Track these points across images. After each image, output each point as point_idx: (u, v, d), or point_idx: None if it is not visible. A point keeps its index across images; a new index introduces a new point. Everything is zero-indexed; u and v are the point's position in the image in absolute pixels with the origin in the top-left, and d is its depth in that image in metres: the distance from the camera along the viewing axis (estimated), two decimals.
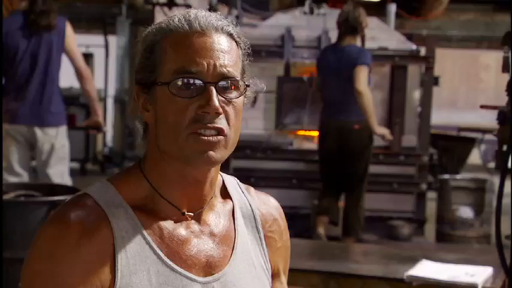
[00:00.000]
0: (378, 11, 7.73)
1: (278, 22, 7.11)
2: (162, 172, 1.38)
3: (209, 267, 1.40)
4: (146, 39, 1.39)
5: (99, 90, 10.98)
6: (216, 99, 1.31)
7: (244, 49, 1.41)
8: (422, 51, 7.20)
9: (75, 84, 11.04)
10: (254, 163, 6.55)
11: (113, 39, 10.07)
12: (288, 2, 8.87)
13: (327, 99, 5.95)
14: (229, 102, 1.34)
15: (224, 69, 1.33)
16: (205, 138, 1.32)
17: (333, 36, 6.96)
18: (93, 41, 10.98)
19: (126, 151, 9.57)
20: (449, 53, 12.41)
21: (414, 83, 6.98)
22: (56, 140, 4.69)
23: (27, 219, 3.39)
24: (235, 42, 1.38)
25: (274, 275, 1.52)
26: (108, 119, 10.42)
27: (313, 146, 6.87)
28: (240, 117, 1.37)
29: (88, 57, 11.18)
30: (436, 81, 7.38)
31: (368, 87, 5.72)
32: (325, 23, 7.02)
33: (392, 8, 7.60)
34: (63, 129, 4.76)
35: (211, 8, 7.40)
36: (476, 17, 10.55)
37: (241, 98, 1.37)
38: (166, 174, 1.38)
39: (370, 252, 3.96)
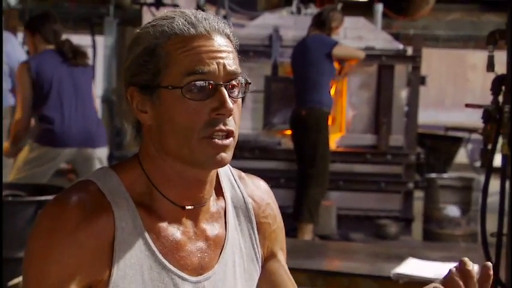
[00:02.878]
0: (365, 10, 7.75)
1: (265, 22, 7.12)
2: (161, 171, 1.39)
3: (201, 268, 1.42)
4: (142, 41, 1.37)
5: None
6: (229, 100, 1.34)
7: (237, 49, 1.43)
8: (409, 50, 7.23)
9: None
10: (242, 163, 6.56)
11: (100, 39, 10.04)
12: (275, 2, 8.88)
13: (296, 91, 6.22)
14: (234, 101, 1.37)
15: (232, 68, 1.36)
16: (219, 142, 1.34)
17: None
18: (81, 41, 10.90)
19: (113, 151, 9.55)
20: (436, 52, 12.45)
21: (401, 83, 7.01)
22: (104, 158, 4.91)
23: (15, 219, 3.39)
24: (231, 41, 1.41)
25: (269, 257, 1.55)
26: None
27: None
28: (240, 115, 1.40)
29: None
30: (423, 80, 7.41)
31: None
32: None
33: (379, 7, 7.62)
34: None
35: (199, 8, 7.41)
36: (462, 16, 10.60)
37: (244, 95, 1.40)
38: (165, 173, 1.39)
39: (357, 250, 3.98)
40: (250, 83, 1.40)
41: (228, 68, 1.36)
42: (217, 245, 1.45)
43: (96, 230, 1.33)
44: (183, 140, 1.34)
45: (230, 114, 1.34)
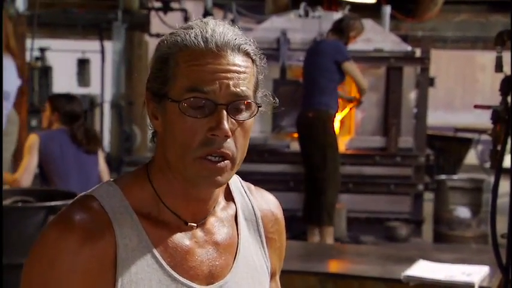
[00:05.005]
0: (373, 13, 7.75)
1: (273, 25, 7.13)
2: (167, 181, 1.37)
3: (212, 277, 1.40)
4: (160, 48, 1.36)
5: (95, 95, 11.03)
6: (226, 122, 1.30)
7: (260, 65, 1.38)
8: (418, 52, 7.22)
9: (72, 89, 11.06)
10: (251, 166, 6.56)
11: (108, 45, 10.07)
12: (283, 5, 8.89)
13: (303, 93, 6.19)
14: (239, 123, 1.33)
15: (237, 89, 1.31)
16: (213, 164, 1.31)
17: None
18: (89, 47, 10.98)
19: (123, 156, 9.56)
20: (444, 53, 12.44)
21: (410, 84, 7.00)
22: None
23: (25, 225, 3.39)
24: (252, 59, 1.36)
25: (272, 275, 1.53)
26: (105, 124, 10.42)
27: None
28: (248, 137, 1.36)
29: (84, 62, 11.19)
30: (431, 82, 7.40)
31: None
32: (320, 26, 7.04)
33: (387, 9, 7.62)
34: None
35: (207, 13, 7.42)
36: (470, 17, 10.58)
37: (252, 118, 1.35)
38: (170, 184, 1.37)
39: (367, 253, 3.97)
40: (260, 106, 1.36)
41: (232, 89, 1.31)
42: (228, 251, 1.43)
43: (97, 252, 1.31)
44: (180, 155, 1.32)
45: (226, 136, 1.30)
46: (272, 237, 1.51)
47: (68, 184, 4.63)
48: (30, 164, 4.65)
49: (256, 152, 6.69)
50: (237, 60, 1.33)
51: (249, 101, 1.33)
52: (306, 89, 6.12)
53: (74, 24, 10.30)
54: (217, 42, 1.32)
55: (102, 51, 10.32)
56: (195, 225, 1.39)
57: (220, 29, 1.34)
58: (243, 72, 1.32)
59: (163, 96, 1.34)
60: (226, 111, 1.30)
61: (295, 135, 6.99)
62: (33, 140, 4.69)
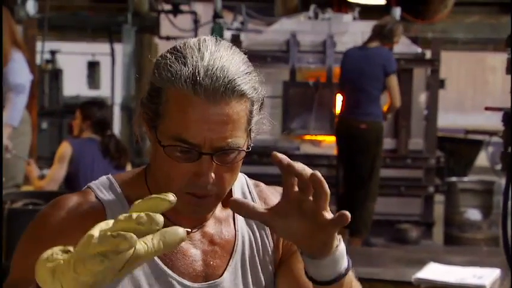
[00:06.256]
0: (383, 14, 7.73)
1: (283, 27, 7.12)
2: (162, 190, 1.37)
3: (206, 275, 1.40)
4: (155, 72, 1.32)
5: (105, 98, 11.05)
6: (209, 172, 1.28)
7: (258, 96, 1.32)
8: (428, 54, 7.20)
9: (82, 92, 11.08)
10: (261, 169, 6.55)
11: (118, 47, 10.10)
12: (292, 7, 8.88)
13: (343, 99, 6.02)
14: (226, 166, 1.30)
15: (223, 143, 1.28)
16: (197, 200, 1.31)
17: (338, 40, 6.98)
18: (99, 49, 11.01)
19: (133, 158, 9.58)
20: (455, 55, 12.40)
21: (420, 86, 6.98)
22: None
23: None
24: (247, 97, 1.29)
25: (288, 254, 1.48)
26: (115, 126, 10.43)
27: (320, 150, 6.87)
28: (237, 172, 1.34)
29: (94, 65, 11.22)
30: (442, 84, 7.39)
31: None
32: (330, 28, 7.03)
33: (397, 11, 7.60)
34: None
35: (217, 15, 7.42)
36: (481, 19, 10.54)
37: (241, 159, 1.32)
38: (165, 190, 1.37)
39: (378, 255, 3.96)
40: (249, 150, 1.33)
41: (218, 142, 1.27)
42: (225, 251, 1.42)
43: (85, 228, 1.32)
44: (165, 184, 1.31)
45: (209, 184, 1.29)
46: None
47: None
48: (58, 173, 4.64)
49: (266, 155, 6.69)
50: (227, 109, 1.26)
51: (236, 150, 1.30)
52: (352, 96, 5.91)
53: (84, 27, 10.33)
54: (207, 88, 1.25)
55: (112, 54, 10.34)
56: (190, 230, 1.37)
57: (215, 67, 1.26)
58: (232, 121, 1.27)
59: (153, 127, 1.32)
60: (212, 159, 1.28)
61: (306, 137, 6.99)
62: (65, 149, 4.67)
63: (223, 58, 1.28)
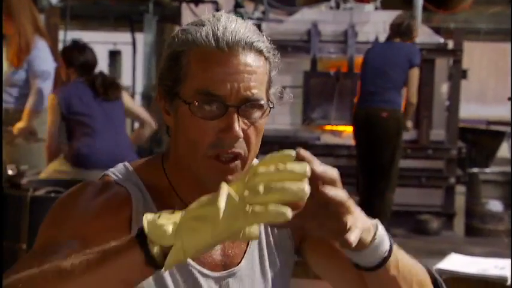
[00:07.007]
0: (405, 4, 7.68)
1: (304, 17, 7.10)
2: (181, 174, 1.37)
3: (224, 264, 1.40)
4: (172, 45, 1.34)
5: (127, 87, 11.09)
6: (237, 124, 1.28)
7: (273, 61, 1.35)
8: (450, 44, 7.15)
9: None
10: None
11: (140, 36, 10.13)
12: None
13: (362, 88, 5.96)
14: (251, 123, 1.31)
15: (248, 93, 1.29)
16: (223, 164, 1.30)
17: (360, 30, 6.95)
18: (121, 39, 11.05)
19: (153, 148, 9.61)
20: (477, 46, 12.32)
21: (442, 77, 6.94)
22: None
23: None
24: (264, 57, 1.33)
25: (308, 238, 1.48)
26: None
27: (340, 140, 6.85)
28: (260, 136, 1.34)
29: (116, 54, 11.26)
30: (464, 74, 7.34)
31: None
32: (351, 18, 7.00)
33: (419, 1, 7.55)
34: None
35: (238, 5, 7.42)
36: (504, 9, 10.45)
37: (264, 118, 1.33)
38: (184, 177, 1.37)
39: (398, 246, 3.96)
40: (273, 107, 1.34)
41: (244, 92, 1.28)
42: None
43: (116, 210, 1.32)
44: (191, 154, 1.31)
45: (237, 138, 1.29)
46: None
47: (94, 138, 4.57)
48: (52, 126, 4.58)
49: (287, 144, 6.68)
50: (249, 60, 1.30)
51: (261, 102, 1.31)
52: (373, 83, 5.84)
53: (106, 16, 10.36)
54: (228, 41, 1.29)
55: (134, 43, 10.37)
56: None
57: (232, 26, 1.30)
58: (254, 72, 1.30)
59: (174, 95, 1.33)
60: (237, 113, 1.29)
61: (326, 127, 6.97)
62: (52, 101, 4.61)
63: (238, 21, 1.33)
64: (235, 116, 1.28)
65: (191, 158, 1.31)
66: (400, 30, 5.93)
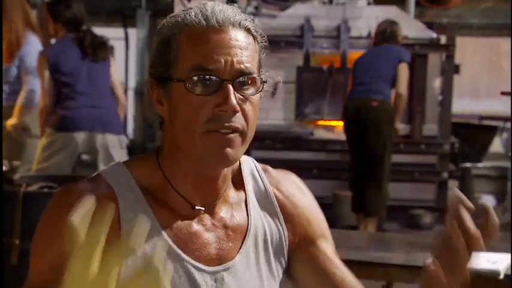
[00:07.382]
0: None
1: (297, 12, 7.11)
2: (176, 165, 1.38)
3: (219, 259, 1.40)
4: (161, 32, 1.37)
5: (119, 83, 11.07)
6: (233, 97, 1.30)
7: (261, 42, 1.39)
8: (443, 39, 7.17)
9: None
10: (274, 154, 6.57)
11: (132, 32, 10.11)
12: None
13: (353, 83, 5.96)
14: (246, 99, 1.32)
15: (242, 66, 1.31)
16: (221, 136, 1.30)
17: (353, 25, 6.96)
18: (113, 34, 10.98)
19: (147, 143, 9.61)
20: (470, 41, 12.34)
21: (435, 72, 6.96)
22: (118, 146, 4.72)
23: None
24: (253, 36, 1.36)
25: (304, 243, 1.50)
26: (129, 111, 10.46)
27: (333, 135, 6.87)
28: (256, 113, 1.35)
29: None
30: (456, 69, 7.35)
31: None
32: (344, 13, 7.01)
33: None
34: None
35: (230, 0, 7.41)
36: (496, 4, 10.48)
37: (258, 93, 1.35)
38: (179, 167, 1.37)
39: (391, 240, 3.96)
40: (265, 81, 1.36)
41: (237, 65, 1.31)
42: (238, 234, 1.43)
43: (99, 209, 1.32)
44: (188, 135, 1.32)
45: (234, 112, 1.30)
46: (293, 211, 1.50)
47: (77, 100, 4.53)
48: (44, 87, 4.55)
49: (280, 140, 6.69)
50: (239, 36, 1.33)
51: (254, 76, 1.33)
52: (363, 76, 5.85)
53: (98, 11, 10.34)
54: (217, 19, 1.32)
55: (126, 39, 10.35)
56: (203, 209, 1.40)
57: (219, 6, 1.35)
58: (245, 48, 1.33)
59: (167, 79, 1.34)
60: (233, 87, 1.31)
61: (319, 122, 6.98)
62: (41, 60, 4.55)
63: (225, 5, 1.37)
64: (231, 89, 1.30)
65: (189, 139, 1.32)
66: (385, 37, 5.93)
